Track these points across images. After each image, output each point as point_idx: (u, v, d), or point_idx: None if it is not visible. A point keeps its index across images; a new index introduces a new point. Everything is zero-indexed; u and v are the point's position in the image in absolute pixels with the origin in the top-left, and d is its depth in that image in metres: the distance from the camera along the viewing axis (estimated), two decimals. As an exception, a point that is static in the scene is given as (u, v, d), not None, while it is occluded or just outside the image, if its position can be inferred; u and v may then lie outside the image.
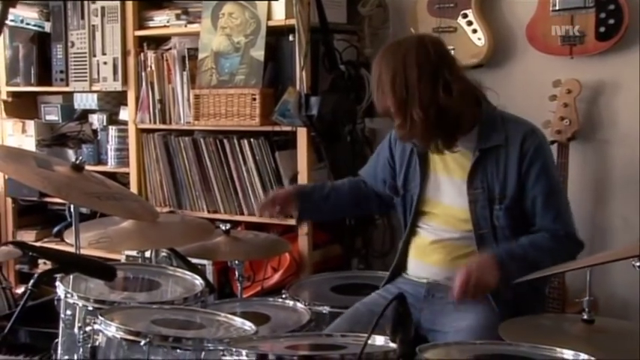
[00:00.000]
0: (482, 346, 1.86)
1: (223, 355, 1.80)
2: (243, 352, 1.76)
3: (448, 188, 2.39)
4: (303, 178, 3.27)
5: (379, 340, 1.81)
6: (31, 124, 4.07)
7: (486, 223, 2.31)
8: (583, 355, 1.68)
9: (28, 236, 4.10)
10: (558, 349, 1.71)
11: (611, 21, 2.95)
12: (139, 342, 1.94)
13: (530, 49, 3.16)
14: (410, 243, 2.48)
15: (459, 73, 2.32)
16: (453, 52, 3.20)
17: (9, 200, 4.16)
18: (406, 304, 1.49)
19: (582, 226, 2.98)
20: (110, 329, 2.04)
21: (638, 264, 1.65)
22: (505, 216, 2.30)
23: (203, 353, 1.97)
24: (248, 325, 2.14)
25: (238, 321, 2.18)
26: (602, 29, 2.97)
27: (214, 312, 2.25)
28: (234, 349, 1.78)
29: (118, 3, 3.64)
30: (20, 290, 3.68)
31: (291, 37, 3.22)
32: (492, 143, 2.32)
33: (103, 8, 3.71)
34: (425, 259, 2.43)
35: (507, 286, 2.21)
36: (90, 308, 2.26)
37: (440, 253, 2.39)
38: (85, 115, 4.02)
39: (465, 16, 3.20)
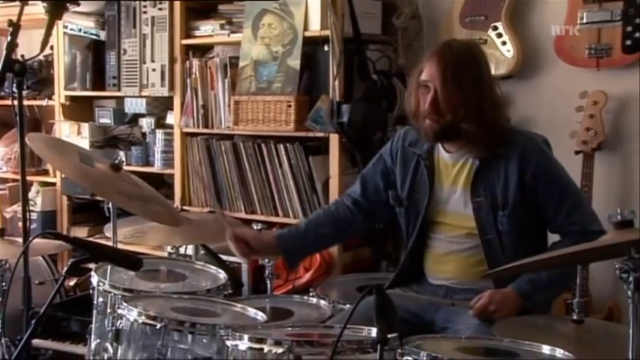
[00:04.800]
0: (468, 340, 1.96)
1: (227, 339, 1.94)
2: (245, 336, 1.89)
3: (454, 198, 2.47)
4: (335, 182, 3.38)
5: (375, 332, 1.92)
6: (85, 127, 4.19)
7: (491, 228, 2.39)
8: (559, 350, 1.76)
9: (81, 232, 4.27)
10: (536, 344, 1.79)
11: (638, 34, 3.00)
12: (156, 325, 2.10)
13: (558, 61, 3.22)
14: (423, 254, 2.56)
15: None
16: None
17: (64, 198, 4.33)
18: (385, 295, 1.60)
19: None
20: (132, 314, 2.19)
21: (618, 265, 1.71)
22: (509, 222, 2.37)
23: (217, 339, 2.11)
24: (260, 316, 2.27)
25: (251, 311, 2.31)
26: (628, 42, 3.02)
27: (231, 302, 2.39)
28: (237, 334, 1.92)
29: (167, 13, 3.80)
30: (72, 282, 3.87)
31: (326, 48, 3.33)
32: (492, 152, 2.39)
33: (153, 18, 3.85)
34: (440, 272, 2.52)
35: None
36: (119, 296, 2.40)
37: (453, 264, 2.49)
38: (135, 118, 4.17)
39: (495, 28, 3.28)
